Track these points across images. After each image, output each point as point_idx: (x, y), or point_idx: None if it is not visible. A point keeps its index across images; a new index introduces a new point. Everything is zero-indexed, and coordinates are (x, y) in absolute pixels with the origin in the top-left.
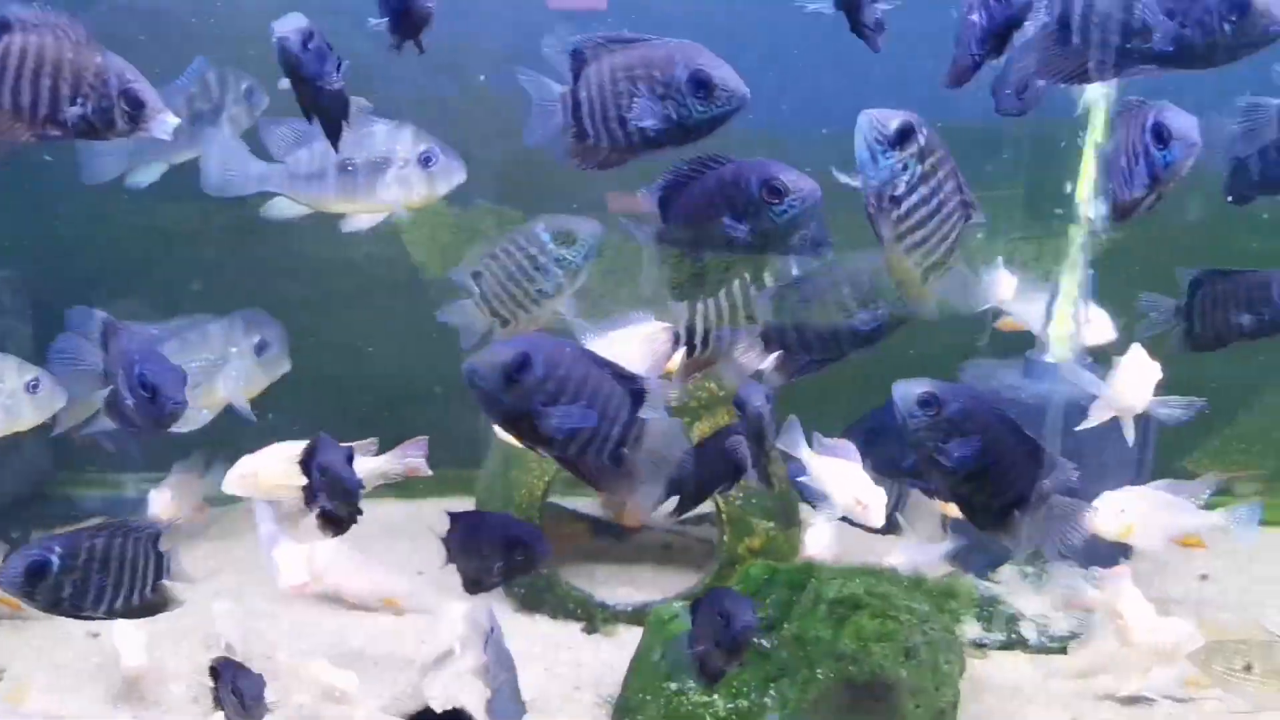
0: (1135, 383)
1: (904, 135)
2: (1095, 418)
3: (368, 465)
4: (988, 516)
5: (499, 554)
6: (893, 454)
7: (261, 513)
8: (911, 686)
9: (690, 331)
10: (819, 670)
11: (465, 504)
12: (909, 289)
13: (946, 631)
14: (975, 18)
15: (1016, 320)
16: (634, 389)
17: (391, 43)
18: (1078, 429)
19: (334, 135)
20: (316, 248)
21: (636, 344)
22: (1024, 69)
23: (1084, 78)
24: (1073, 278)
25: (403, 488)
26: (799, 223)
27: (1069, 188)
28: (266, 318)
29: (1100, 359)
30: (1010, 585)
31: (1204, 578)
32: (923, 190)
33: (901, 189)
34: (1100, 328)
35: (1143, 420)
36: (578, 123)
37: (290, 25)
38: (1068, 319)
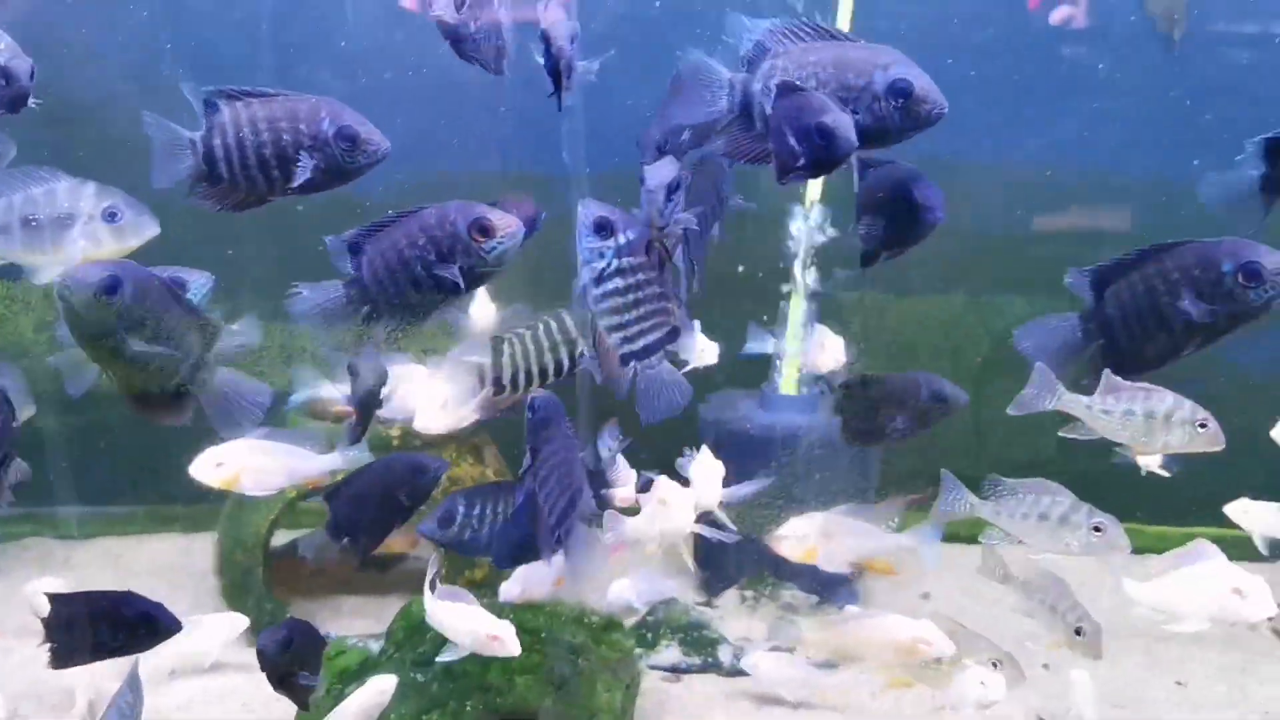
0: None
1: (601, 227)
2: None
3: None
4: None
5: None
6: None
7: None
8: (558, 715)
9: (498, 372)
10: (468, 703)
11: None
12: (605, 364)
13: (605, 661)
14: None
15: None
16: (206, 327)
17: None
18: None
19: None
20: None
21: (436, 381)
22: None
23: (766, 160)
24: (796, 309)
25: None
26: (507, 259)
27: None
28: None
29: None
30: (727, 610)
31: (925, 597)
32: (618, 282)
33: (598, 273)
34: (832, 353)
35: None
36: (211, 166)
37: None
38: (796, 349)
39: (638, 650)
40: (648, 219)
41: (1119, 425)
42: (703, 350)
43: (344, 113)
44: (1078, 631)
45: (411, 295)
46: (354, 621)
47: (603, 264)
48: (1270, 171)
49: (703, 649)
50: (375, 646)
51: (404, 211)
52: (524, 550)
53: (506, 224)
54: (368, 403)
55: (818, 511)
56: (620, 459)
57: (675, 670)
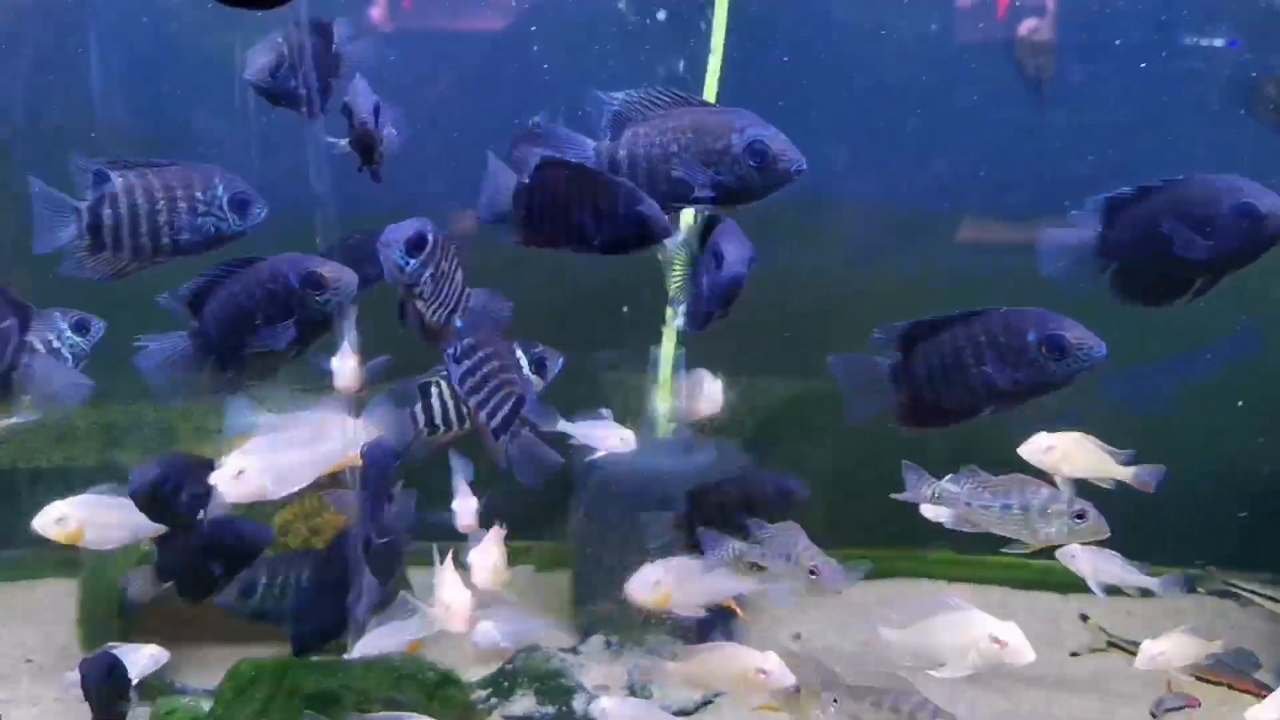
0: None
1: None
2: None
3: None
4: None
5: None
6: None
7: None
8: None
9: (430, 412)
10: None
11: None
12: (484, 439)
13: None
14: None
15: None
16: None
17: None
18: None
19: None
20: None
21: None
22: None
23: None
24: (669, 356)
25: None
26: (341, 310)
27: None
28: None
29: (707, 429)
30: (590, 656)
31: (797, 637)
32: (467, 364)
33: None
34: (709, 400)
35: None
36: (95, 235)
37: None
38: (668, 395)
39: (493, 700)
40: (391, 276)
41: (998, 520)
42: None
43: (235, 179)
44: (811, 572)
45: (253, 346)
46: (218, 673)
47: (451, 349)
48: (1107, 232)
49: (557, 698)
50: (207, 706)
51: (240, 261)
52: (324, 634)
53: (337, 276)
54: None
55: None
56: (464, 485)
57: None
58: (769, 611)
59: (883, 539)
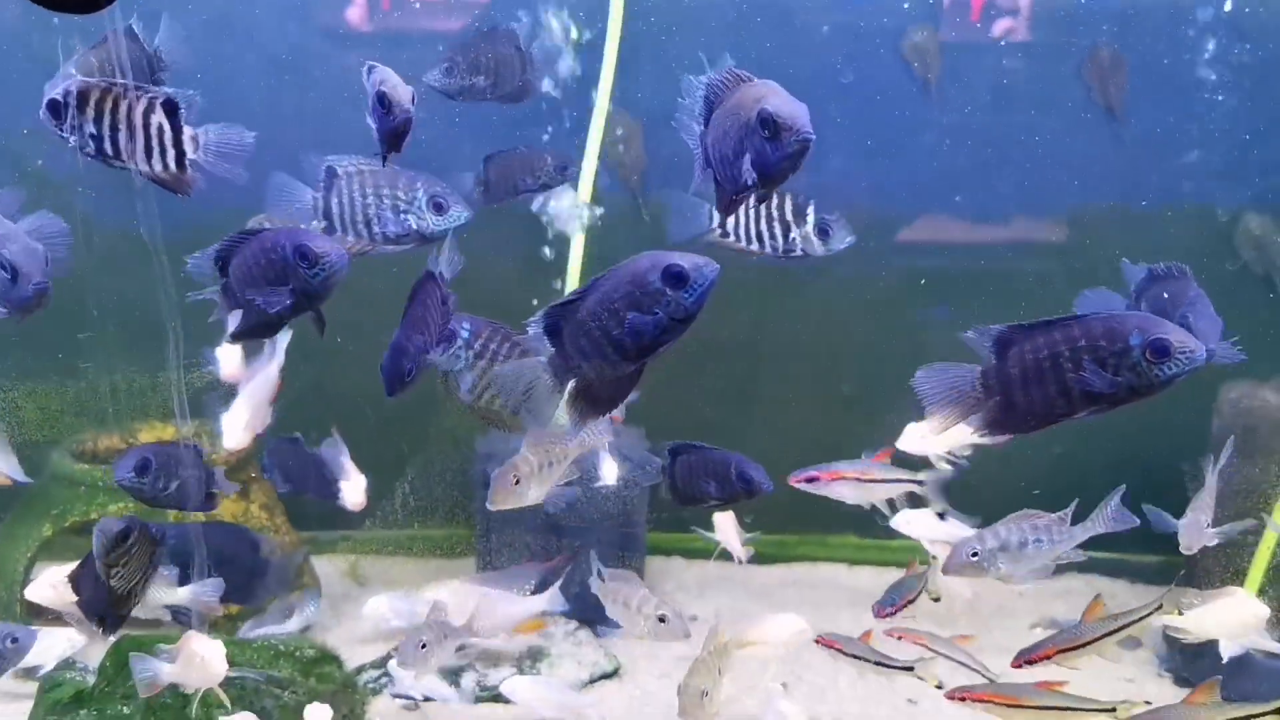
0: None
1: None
2: None
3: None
4: None
5: None
6: None
7: None
8: None
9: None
10: None
11: None
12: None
13: (316, 694)
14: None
15: None
16: None
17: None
18: None
19: None
20: None
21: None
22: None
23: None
24: None
25: None
26: (333, 285)
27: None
28: None
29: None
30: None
31: (694, 618)
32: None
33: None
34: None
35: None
36: (327, 219)
37: None
38: None
39: (383, 680)
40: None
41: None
42: None
43: (437, 184)
44: (661, 619)
45: (262, 309)
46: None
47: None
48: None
49: (446, 675)
50: (91, 680)
51: (254, 230)
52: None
53: (328, 251)
54: None
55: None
56: (347, 462)
57: (411, 699)
58: (667, 595)
59: (786, 524)
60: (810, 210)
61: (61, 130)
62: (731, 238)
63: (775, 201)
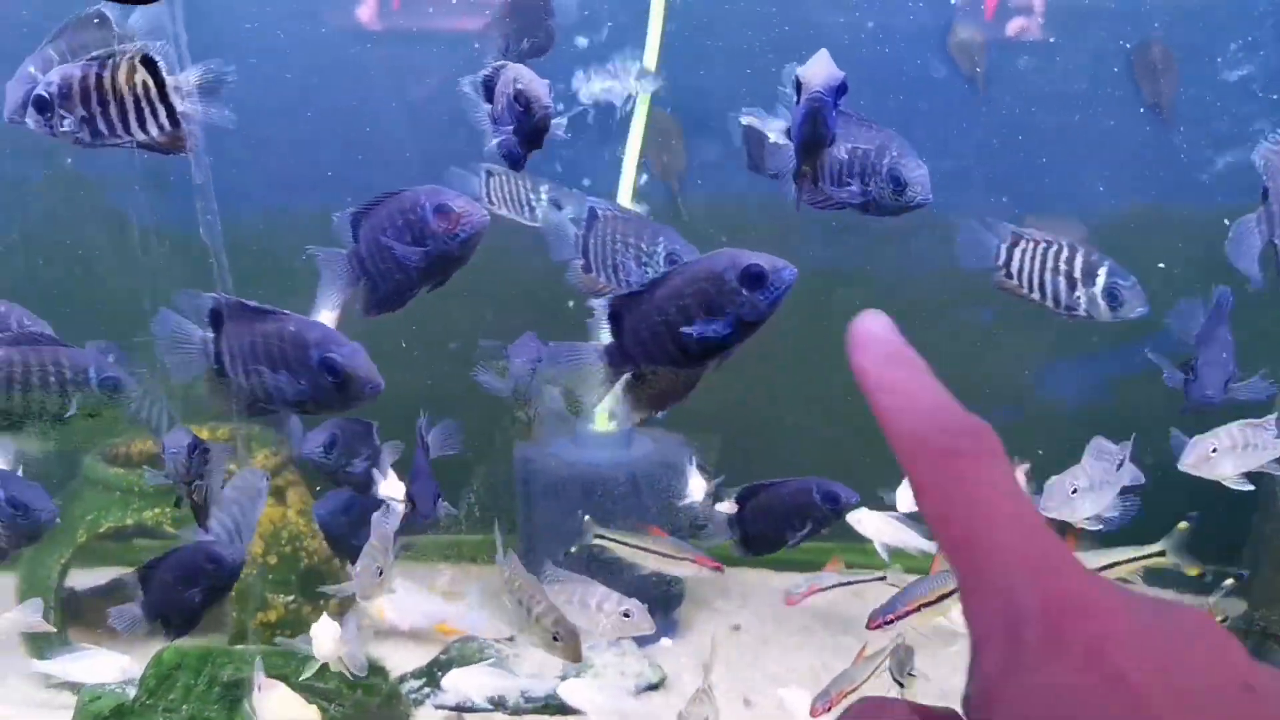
0: None
1: None
2: None
3: None
4: None
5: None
6: None
7: None
8: None
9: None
10: None
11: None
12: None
13: (362, 707)
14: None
15: None
16: None
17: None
18: None
19: None
20: None
21: None
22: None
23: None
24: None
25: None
26: (472, 246)
27: None
28: None
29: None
30: (527, 646)
31: (736, 627)
32: None
33: None
34: None
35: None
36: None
37: None
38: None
39: (426, 690)
40: None
41: None
42: None
43: (678, 239)
44: (555, 637)
45: (394, 271)
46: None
47: None
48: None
49: (488, 688)
50: (132, 692)
51: (391, 192)
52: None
53: (469, 209)
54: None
55: None
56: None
57: (460, 709)
58: (709, 604)
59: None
60: (1102, 272)
61: (50, 125)
62: (1014, 280)
63: (1066, 254)
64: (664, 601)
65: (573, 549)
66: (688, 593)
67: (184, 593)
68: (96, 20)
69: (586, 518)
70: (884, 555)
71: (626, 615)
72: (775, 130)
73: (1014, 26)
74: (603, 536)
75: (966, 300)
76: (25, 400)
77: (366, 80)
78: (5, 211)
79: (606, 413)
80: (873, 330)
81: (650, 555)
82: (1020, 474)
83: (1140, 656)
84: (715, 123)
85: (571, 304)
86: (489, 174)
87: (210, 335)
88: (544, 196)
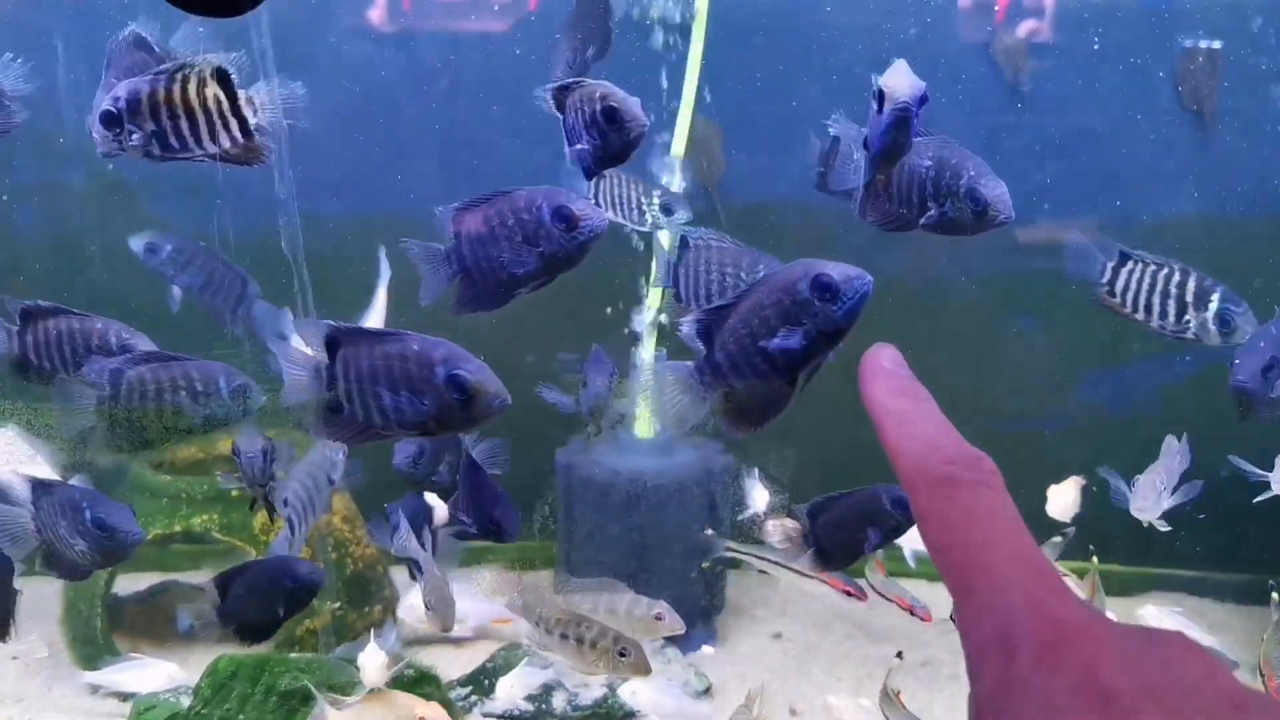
0: None
1: None
2: None
3: None
4: None
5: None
6: None
7: None
8: None
9: None
10: None
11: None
12: None
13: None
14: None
15: None
16: None
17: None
18: None
19: None
20: None
21: None
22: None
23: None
24: (650, 358)
25: None
26: (587, 250)
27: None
28: None
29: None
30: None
31: (778, 635)
32: None
33: None
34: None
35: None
36: (676, 285)
37: None
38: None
39: (474, 697)
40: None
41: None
42: None
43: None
44: (621, 653)
45: (499, 270)
46: (198, 670)
47: None
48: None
49: (537, 695)
50: (185, 701)
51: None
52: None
53: (589, 213)
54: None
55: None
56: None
57: (508, 717)
58: (749, 613)
59: None
60: (1215, 298)
61: (119, 140)
62: (1118, 299)
63: (1178, 278)
64: (705, 610)
65: (704, 564)
66: (728, 601)
67: (263, 605)
68: (133, 42)
69: (709, 531)
70: (911, 563)
71: (659, 618)
72: (854, 140)
73: (1024, 29)
74: (733, 550)
75: (1010, 305)
76: (159, 417)
77: (364, 81)
78: (67, 220)
79: (649, 419)
80: (883, 363)
81: (783, 570)
82: (1075, 488)
83: (1130, 678)
84: (753, 128)
85: (609, 310)
86: (600, 176)
87: (325, 361)
88: (655, 201)
